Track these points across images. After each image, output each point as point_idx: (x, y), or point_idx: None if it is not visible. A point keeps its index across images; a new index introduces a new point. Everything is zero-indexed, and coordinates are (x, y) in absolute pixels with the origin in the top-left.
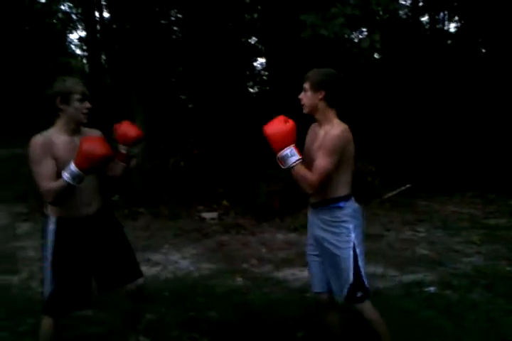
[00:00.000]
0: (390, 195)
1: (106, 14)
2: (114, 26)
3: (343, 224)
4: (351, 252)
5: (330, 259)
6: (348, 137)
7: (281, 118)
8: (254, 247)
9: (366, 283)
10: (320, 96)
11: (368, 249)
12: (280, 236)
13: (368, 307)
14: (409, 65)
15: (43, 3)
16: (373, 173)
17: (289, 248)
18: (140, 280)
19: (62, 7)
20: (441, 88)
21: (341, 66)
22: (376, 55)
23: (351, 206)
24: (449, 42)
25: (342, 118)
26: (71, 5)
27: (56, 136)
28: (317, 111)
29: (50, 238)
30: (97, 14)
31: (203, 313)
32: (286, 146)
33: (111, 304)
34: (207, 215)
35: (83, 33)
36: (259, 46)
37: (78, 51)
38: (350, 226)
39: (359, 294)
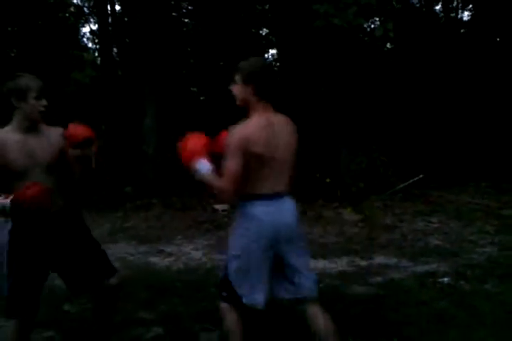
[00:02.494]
0: (402, 185)
1: (117, 7)
2: (126, 19)
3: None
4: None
5: None
6: (248, 134)
7: (192, 136)
8: None
9: (239, 290)
10: (250, 90)
11: (381, 240)
12: None
13: (228, 316)
14: (422, 54)
15: None
16: (386, 164)
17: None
18: (113, 280)
19: (74, 0)
20: (455, 77)
21: (353, 56)
22: (389, 45)
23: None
24: (462, 30)
25: (360, 109)
26: None
27: (9, 136)
28: (248, 105)
29: (6, 238)
30: (108, 7)
31: (215, 304)
32: (194, 160)
33: None
34: (219, 207)
35: (95, 27)
36: (270, 37)
37: (90, 44)
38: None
39: (224, 293)
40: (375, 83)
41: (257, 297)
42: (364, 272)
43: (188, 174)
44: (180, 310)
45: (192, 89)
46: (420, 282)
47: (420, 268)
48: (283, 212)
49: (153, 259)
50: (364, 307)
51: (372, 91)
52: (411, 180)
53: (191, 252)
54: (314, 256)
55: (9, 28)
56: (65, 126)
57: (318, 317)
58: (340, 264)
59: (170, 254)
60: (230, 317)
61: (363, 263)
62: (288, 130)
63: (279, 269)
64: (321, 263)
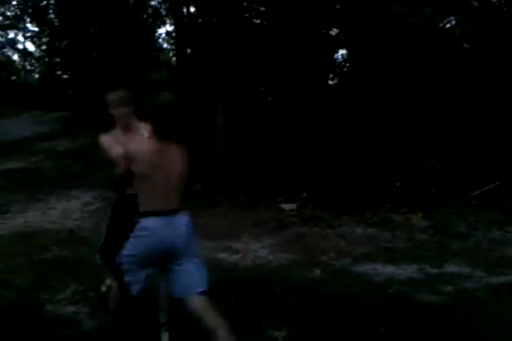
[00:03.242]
0: (478, 192)
1: (192, 9)
2: (200, 20)
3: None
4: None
5: None
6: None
7: None
8: (333, 240)
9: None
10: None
11: (453, 248)
12: (359, 230)
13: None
14: (501, 54)
15: None
16: (460, 169)
17: (369, 242)
18: None
19: (152, 2)
20: None
21: (428, 56)
22: (466, 45)
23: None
24: None
25: (433, 111)
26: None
27: None
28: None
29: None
30: (184, 9)
31: (281, 302)
32: None
33: None
34: (286, 206)
35: (171, 28)
36: (341, 37)
37: (165, 45)
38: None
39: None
40: (450, 84)
41: (133, 288)
42: (434, 280)
43: (257, 173)
44: (247, 306)
45: (260, 89)
46: (495, 293)
47: (495, 280)
48: (173, 226)
49: (222, 255)
50: (434, 317)
51: (446, 92)
52: (487, 187)
53: (258, 250)
54: (381, 261)
55: (91, 30)
56: None
57: (208, 313)
58: (409, 271)
59: (237, 251)
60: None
61: (434, 270)
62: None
63: (168, 273)
64: (388, 269)
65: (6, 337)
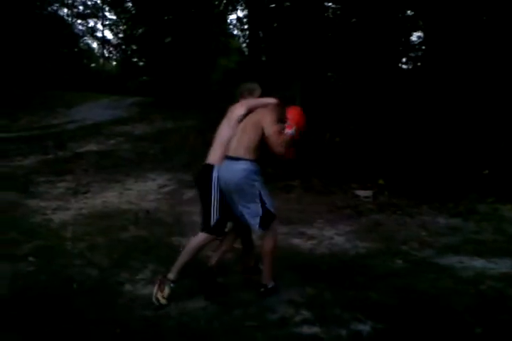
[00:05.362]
0: None
1: None
2: (273, 5)
3: None
4: None
5: None
6: None
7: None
8: (413, 229)
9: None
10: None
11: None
12: (441, 220)
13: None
14: None
15: None
16: None
17: (453, 233)
18: None
19: None
20: None
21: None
22: None
23: None
24: None
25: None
26: None
27: None
28: None
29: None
30: None
31: (363, 293)
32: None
33: None
34: (361, 193)
35: (241, 14)
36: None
37: (236, 31)
38: None
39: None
40: None
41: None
42: None
43: (331, 158)
44: (328, 297)
45: (330, 74)
46: None
47: None
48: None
49: (296, 241)
50: None
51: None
52: None
53: (334, 237)
54: (468, 254)
55: (165, 17)
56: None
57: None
58: (501, 265)
59: (312, 237)
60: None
61: None
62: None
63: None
64: (477, 263)
65: (87, 314)
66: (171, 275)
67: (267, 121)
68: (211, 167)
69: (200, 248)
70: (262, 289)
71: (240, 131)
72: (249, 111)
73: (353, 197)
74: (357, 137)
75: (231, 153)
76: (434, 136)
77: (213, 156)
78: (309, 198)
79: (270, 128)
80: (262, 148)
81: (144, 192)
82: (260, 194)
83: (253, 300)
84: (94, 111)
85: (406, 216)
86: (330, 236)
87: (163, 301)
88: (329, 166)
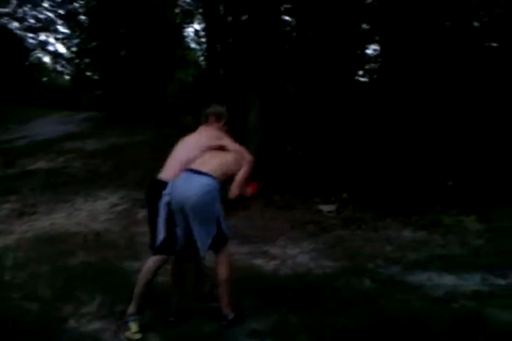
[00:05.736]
0: None
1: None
2: (230, 19)
3: None
4: None
5: None
6: None
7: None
8: (378, 245)
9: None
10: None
11: None
12: (407, 233)
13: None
14: None
15: None
16: None
17: (419, 248)
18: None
19: (180, 1)
20: None
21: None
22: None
23: None
24: None
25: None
26: None
27: None
28: None
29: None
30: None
31: (331, 319)
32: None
33: None
34: (324, 208)
35: (199, 27)
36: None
37: (192, 45)
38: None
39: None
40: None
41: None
42: (503, 293)
43: (292, 172)
44: (293, 322)
45: (288, 87)
46: None
47: None
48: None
49: (258, 261)
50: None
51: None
52: None
53: (297, 256)
54: (436, 270)
55: (120, 30)
56: None
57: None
58: (471, 282)
59: (275, 257)
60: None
61: (500, 281)
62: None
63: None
64: (447, 279)
65: None
66: (131, 309)
67: (247, 164)
68: (163, 183)
69: (153, 272)
70: (224, 322)
71: (208, 154)
72: (221, 148)
73: (316, 212)
74: (319, 150)
75: (195, 167)
76: (396, 148)
77: (168, 172)
78: (270, 214)
79: (245, 172)
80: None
81: (94, 212)
82: (219, 215)
83: (215, 333)
84: (46, 126)
85: (370, 231)
86: (293, 254)
87: (136, 337)
88: (291, 180)
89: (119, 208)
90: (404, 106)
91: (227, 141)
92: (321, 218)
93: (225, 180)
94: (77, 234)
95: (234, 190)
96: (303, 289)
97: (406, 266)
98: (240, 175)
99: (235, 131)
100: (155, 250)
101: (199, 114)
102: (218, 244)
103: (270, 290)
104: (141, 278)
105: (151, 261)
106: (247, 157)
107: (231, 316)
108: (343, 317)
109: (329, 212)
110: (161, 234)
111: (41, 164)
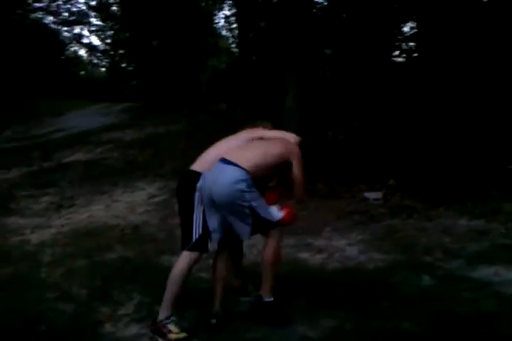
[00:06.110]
0: None
1: None
2: (260, 1)
3: None
4: None
5: None
6: None
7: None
8: (434, 235)
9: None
10: None
11: None
12: (463, 223)
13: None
14: None
15: None
16: None
17: (479, 238)
18: None
19: None
20: None
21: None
22: None
23: None
24: None
25: None
26: None
27: None
28: None
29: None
30: None
31: (392, 322)
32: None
33: None
34: (370, 195)
35: (228, 13)
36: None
37: (224, 32)
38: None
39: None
40: None
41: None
42: None
43: (335, 158)
44: (349, 328)
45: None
46: None
47: None
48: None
49: (303, 255)
50: None
51: None
52: None
53: (345, 248)
54: (502, 263)
55: (152, 20)
56: None
57: None
58: None
59: (321, 250)
60: None
61: None
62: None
63: None
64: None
65: None
66: (162, 315)
67: (296, 158)
68: (197, 174)
69: (188, 271)
70: (252, 299)
71: (247, 145)
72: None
73: (362, 201)
74: (362, 134)
75: (227, 157)
76: (447, 129)
77: (202, 163)
78: (314, 204)
79: (298, 167)
80: (261, 180)
81: (132, 203)
82: (252, 205)
83: (259, 339)
84: (83, 118)
85: (423, 220)
86: (341, 247)
87: (182, 335)
88: (334, 167)
89: (156, 199)
90: (447, 85)
91: (267, 131)
92: (367, 206)
93: (262, 174)
94: (114, 227)
95: (298, 193)
96: (354, 286)
97: (468, 260)
98: (295, 175)
99: (271, 115)
100: (189, 246)
101: (232, 100)
102: (263, 228)
103: (318, 288)
104: (174, 279)
105: (185, 259)
106: (294, 149)
107: (267, 298)
108: (404, 320)
109: (375, 199)
110: (198, 229)
111: (79, 156)
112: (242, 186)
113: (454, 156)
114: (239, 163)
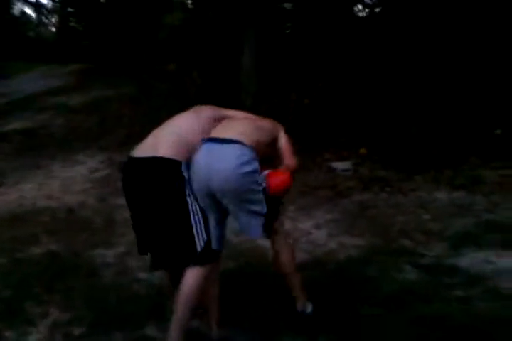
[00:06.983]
0: None
1: None
2: None
3: None
4: None
5: None
6: None
7: None
8: (412, 213)
9: None
10: None
11: None
12: (442, 195)
13: None
14: None
15: None
16: None
17: (461, 214)
18: None
19: None
20: None
21: None
22: None
23: None
24: None
25: None
26: None
27: None
28: None
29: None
30: None
31: (372, 332)
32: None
33: None
34: (337, 165)
35: None
36: None
37: None
38: None
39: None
40: None
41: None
42: None
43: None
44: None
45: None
46: None
47: None
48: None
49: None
50: None
51: None
52: None
53: (312, 231)
54: (492, 247)
55: None
56: None
57: None
58: None
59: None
60: None
61: None
62: None
63: None
64: (506, 259)
65: None
66: None
67: (283, 130)
68: (177, 164)
69: (199, 290)
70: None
71: (228, 120)
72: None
73: (329, 172)
74: (328, 97)
75: (216, 135)
76: (421, 90)
77: (173, 148)
78: None
79: (284, 139)
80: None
81: (70, 180)
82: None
83: None
84: (29, 82)
85: (398, 193)
86: (307, 229)
87: None
88: (297, 134)
89: (98, 174)
90: (421, 41)
91: (228, 110)
92: (335, 179)
93: (262, 152)
94: (45, 211)
95: (292, 164)
96: (323, 281)
97: (452, 243)
98: (286, 146)
99: (227, 76)
100: (196, 259)
101: (184, 60)
102: (270, 221)
103: (280, 288)
104: (183, 304)
105: (194, 277)
106: (278, 123)
107: (309, 309)
108: (388, 326)
109: (344, 170)
110: (201, 235)
111: (17, 124)
112: (253, 166)
113: (430, 120)
114: (240, 140)
